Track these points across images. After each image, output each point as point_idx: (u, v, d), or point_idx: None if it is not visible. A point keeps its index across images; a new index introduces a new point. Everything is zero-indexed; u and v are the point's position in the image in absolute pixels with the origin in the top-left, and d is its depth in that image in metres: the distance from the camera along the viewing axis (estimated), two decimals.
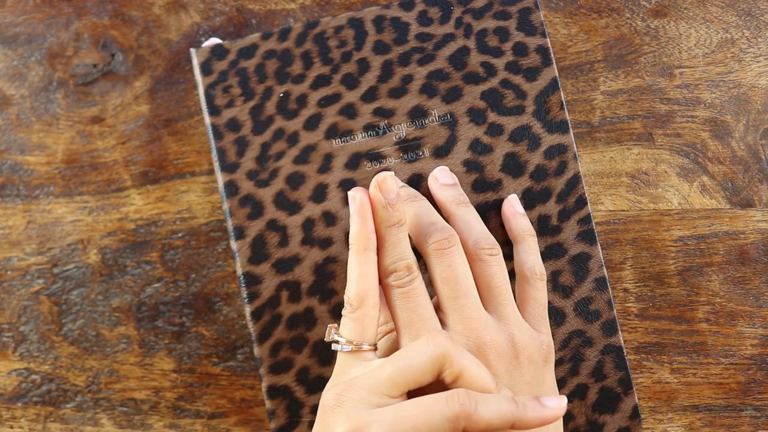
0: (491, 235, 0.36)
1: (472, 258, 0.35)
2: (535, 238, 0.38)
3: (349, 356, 0.33)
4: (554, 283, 0.39)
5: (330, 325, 0.34)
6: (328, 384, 0.33)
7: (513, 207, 0.38)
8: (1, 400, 0.44)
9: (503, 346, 0.34)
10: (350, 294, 0.33)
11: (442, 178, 0.38)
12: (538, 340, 0.35)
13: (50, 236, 0.44)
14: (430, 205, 0.37)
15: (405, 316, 0.34)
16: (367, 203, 0.33)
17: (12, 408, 0.44)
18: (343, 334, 0.33)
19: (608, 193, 0.43)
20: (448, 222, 0.36)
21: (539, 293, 0.36)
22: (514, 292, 0.36)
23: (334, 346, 0.33)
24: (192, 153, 0.44)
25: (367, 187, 0.36)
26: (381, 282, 0.34)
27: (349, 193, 0.33)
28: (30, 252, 0.44)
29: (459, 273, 0.34)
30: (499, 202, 0.39)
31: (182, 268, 0.43)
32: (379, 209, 0.33)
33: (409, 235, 0.35)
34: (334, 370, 0.34)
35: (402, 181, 0.38)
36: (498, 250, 0.36)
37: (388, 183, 0.33)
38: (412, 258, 0.34)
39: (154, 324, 0.43)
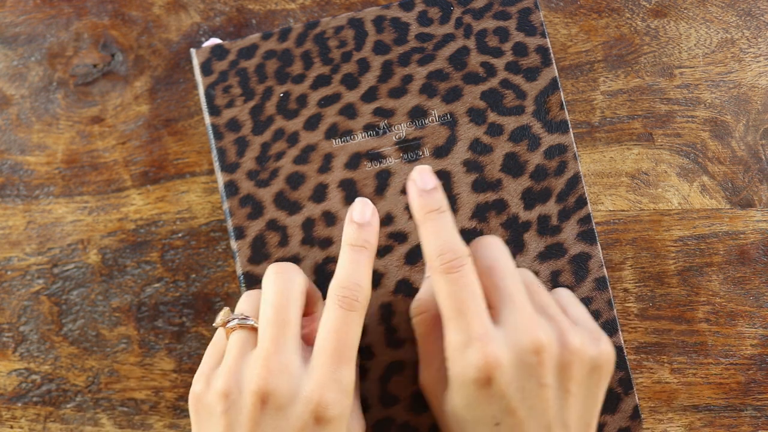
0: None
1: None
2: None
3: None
4: (554, 283, 0.39)
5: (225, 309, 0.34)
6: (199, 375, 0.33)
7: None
8: (1, 400, 0.44)
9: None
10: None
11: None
12: None
13: (50, 236, 0.44)
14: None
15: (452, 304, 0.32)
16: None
17: (12, 408, 0.44)
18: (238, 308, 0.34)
19: (608, 193, 0.43)
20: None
21: None
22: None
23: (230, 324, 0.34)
24: (192, 153, 0.44)
25: (366, 188, 0.36)
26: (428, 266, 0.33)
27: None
28: (30, 252, 0.44)
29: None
30: (499, 202, 0.39)
31: (182, 268, 0.43)
32: (416, 197, 0.33)
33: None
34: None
35: (401, 181, 0.38)
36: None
37: (424, 175, 0.33)
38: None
39: (154, 324, 0.43)
